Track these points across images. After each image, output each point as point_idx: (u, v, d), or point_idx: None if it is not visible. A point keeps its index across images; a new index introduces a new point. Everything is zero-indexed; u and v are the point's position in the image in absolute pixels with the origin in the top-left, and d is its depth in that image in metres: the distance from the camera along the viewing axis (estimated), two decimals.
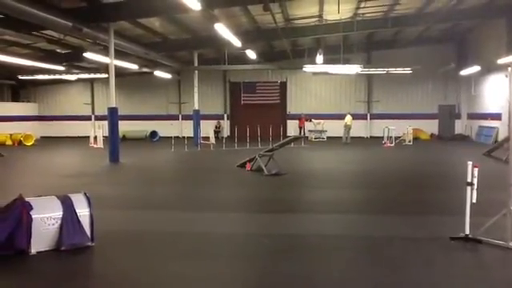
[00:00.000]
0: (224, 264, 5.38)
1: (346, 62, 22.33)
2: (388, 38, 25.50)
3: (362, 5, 18.22)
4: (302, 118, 27.62)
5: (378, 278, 4.88)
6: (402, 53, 25.76)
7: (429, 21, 19.44)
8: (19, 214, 5.49)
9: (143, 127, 28.62)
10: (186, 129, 25.16)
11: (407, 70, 23.23)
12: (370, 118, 29.06)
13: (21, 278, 5.01)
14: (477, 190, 5.92)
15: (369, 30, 22.49)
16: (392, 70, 23.59)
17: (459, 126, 28.30)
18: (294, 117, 28.91)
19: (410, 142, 23.86)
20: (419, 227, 6.96)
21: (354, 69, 22.73)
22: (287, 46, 22.90)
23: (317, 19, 19.74)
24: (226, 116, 30.25)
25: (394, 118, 27.13)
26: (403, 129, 24.46)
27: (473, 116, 26.85)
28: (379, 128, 26.09)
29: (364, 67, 23.01)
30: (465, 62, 25.13)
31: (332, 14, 18.49)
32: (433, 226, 7.05)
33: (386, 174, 13.16)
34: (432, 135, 27.99)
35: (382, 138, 24.21)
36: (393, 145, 22.70)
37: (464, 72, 24.77)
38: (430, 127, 28.26)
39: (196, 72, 24.87)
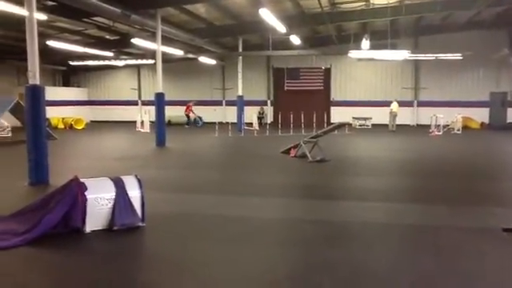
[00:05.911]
0: (268, 249, 5.44)
1: (393, 47, 21.71)
2: (437, 22, 24.56)
3: None
4: (189, 105, 27.38)
5: (424, 268, 4.81)
6: (452, 38, 24.78)
7: (481, 4, 18.58)
8: (75, 194, 5.73)
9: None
10: (229, 114, 25.37)
11: (457, 56, 22.40)
12: (417, 106, 28.31)
13: (76, 254, 5.26)
14: None
15: (417, 15, 21.77)
16: (441, 56, 22.81)
17: None
18: (338, 103, 28.57)
19: (458, 130, 23.12)
20: (469, 217, 6.78)
21: (401, 54, 22.11)
22: (332, 32, 22.54)
23: (363, 3, 19.31)
24: (269, 102, 30.24)
25: (442, 105, 26.27)
26: (452, 117, 23.71)
27: None
28: (426, 116, 25.28)
29: (412, 53, 22.35)
30: None
31: None
32: (483, 216, 6.83)
33: (434, 163, 12.84)
34: (482, 124, 26.93)
35: (430, 126, 23.58)
36: (440, 133, 22.05)
37: None
38: (481, 115, 27.06)
39: (240, 58, 24.92)
